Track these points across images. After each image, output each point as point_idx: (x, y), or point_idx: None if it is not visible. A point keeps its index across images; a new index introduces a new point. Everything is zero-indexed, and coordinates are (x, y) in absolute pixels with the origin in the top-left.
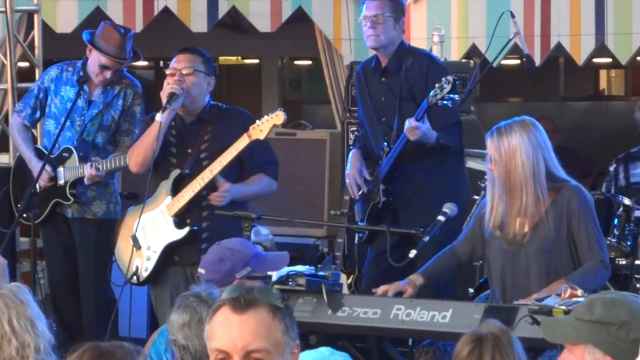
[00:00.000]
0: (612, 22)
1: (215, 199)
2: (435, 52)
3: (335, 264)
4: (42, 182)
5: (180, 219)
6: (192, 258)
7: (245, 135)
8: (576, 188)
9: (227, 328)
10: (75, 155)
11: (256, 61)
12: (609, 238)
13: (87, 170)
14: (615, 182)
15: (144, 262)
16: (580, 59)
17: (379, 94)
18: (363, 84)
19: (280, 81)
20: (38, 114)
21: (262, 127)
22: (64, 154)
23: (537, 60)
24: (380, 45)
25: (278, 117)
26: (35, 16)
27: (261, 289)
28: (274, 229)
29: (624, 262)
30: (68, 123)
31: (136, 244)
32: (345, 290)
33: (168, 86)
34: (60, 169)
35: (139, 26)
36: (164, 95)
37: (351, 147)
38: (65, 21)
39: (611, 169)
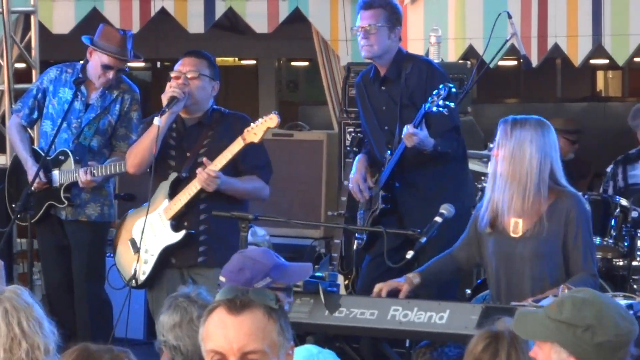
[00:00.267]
0: (609, 23)
1: (203, 176)
2: (433, 53)
3: (333, 265)
4: (36, 185)
5: (177, 222)
6: (189, 261)
7: (239, 138)
8: (576, 196)
9: (223, 329)
10: (71, 158)
11: (253, 62)
12: (606, 239)
13: (82, 176)
14: (613, 183)
15: (142, 266)
16: (577, 60)
17: (380, 102)
18: (364, 93)
19: (277, 82)
20: (35, 114)
21: (257, 130)
22: (60, 157)
23: (534, 61)
24: (374, 56)
25: (272, 120)
26: (32, 17)
27: (256, 291)
28: (271, 229)
29: (621, 263)
30: (64, 125)
31: (134, 247)
32: (342, 291)
33: (170, 89)
34: (56, 172)
35: (135, 27)
36: (165, 98)
37: (348, 147)
38: (62, 22)
39: (609, 170)
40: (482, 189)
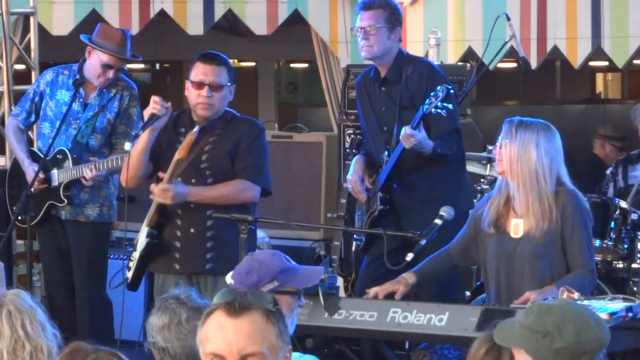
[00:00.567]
0: (608, 25)
1: (155, 191)
2: (432, 55)
3: (332, 267)
4: (35, 185)
5: (151, 230)
6: (196, 268)
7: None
8: (572, 193)
9: (222, 332)
10: (69, 157)
11: (252, 64)
12: (606, 241)
13: (87, 172)
14: (613, 184)
15: (132, 267)
16: (577, 62)
17: (380, 103)
18: (364, 94)
19: (277, 84)
20: (33, 117)
21: (181, 148)
22: (58, 156)
23: (534, 64)
24: (374, 56)
25: (192, 134)
26: (31, 19)
27: (254, 293)
28: (270, 231)
29: (620, 265)
30: (63, 126)
31: (134, 248)
32: (341, 293)
33: (151, 105)
34: (54, 171)
35: (135, 29)
36: (146, 114)
37: (347, 149)
38: (61, 24)
39: (608, 172)
40: (482, 191)
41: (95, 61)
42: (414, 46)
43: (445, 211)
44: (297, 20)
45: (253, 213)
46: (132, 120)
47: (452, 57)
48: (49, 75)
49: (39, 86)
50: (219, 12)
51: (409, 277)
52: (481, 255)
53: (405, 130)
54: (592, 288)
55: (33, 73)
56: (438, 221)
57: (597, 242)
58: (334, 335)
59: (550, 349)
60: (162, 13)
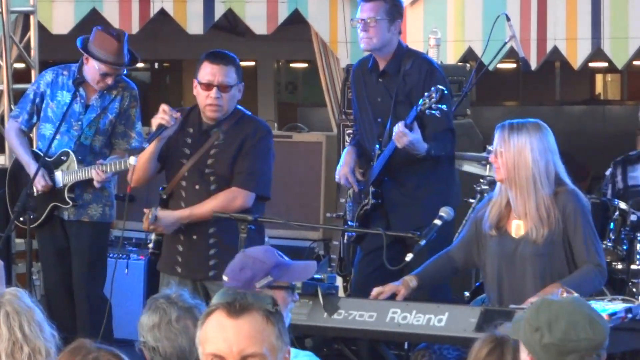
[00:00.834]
0: (608, 26)
1: (149, 226)
2: (432, 55)
3: (331, 267)
4: (40, 187)
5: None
6: (199, 274)
7: None
8: (572, 192)
9: (223, 332)
10: (73, 158)
11: (252, 64)
12: (605, 242)
13: (96, 175)
14: (613, 184)
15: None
16: (577, 63)
17: (376, 94)
18: (360, 83)
19: (276, 84)
20: (35, 118)
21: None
22: (62, 157)
23: (533, 64)
24: (373, 48)
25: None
26: (31, 17)
27: (254, 294)
28: (269, 231)
29: (619, 267)
30: (64, 127)
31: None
32: (341, 293)
33: (159, 115)
34: (59, 173)
35: (135, 28)
36: (154, 124)
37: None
38: (61, 22)
39: (607, 172)
40: (481, 191)
41: (92, 68)
42: (414, 46)
43: (445, 212)
44: (297, 20)
45: (255, 213)
46: (131, 120)
47: (452, 57)
48: (48, 76)
49: (39, 87)
50: (219, 11)
51: (410, 280)
52: (482, 257)
53: (399, 127)
54: (602, 282)
55: (33, 72)
56: (438, 221)
57: None
58: (333, 335)
59: (539, 344)
60: (162, 12)
